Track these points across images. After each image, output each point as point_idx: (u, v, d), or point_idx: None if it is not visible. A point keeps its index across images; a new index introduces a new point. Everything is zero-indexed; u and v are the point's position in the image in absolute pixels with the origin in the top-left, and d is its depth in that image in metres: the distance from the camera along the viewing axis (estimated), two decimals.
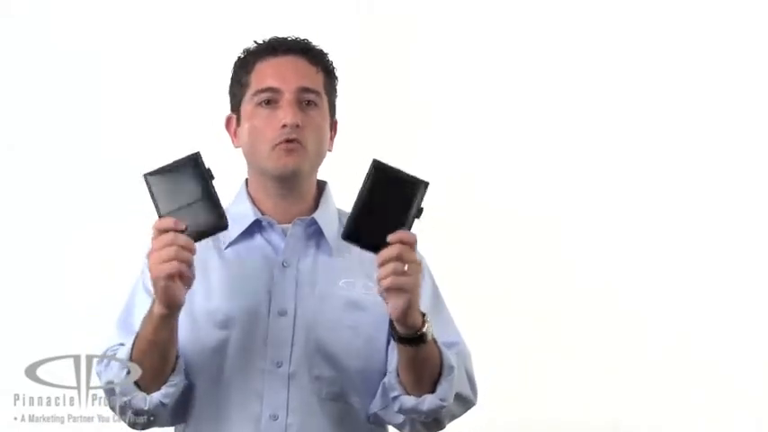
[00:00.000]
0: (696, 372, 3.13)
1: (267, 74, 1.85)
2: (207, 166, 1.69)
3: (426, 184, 1.69)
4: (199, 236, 1.68)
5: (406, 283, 1.64)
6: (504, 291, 3.15)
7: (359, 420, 1.85)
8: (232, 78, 1.91)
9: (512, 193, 3.22)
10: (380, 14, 3.27)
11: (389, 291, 1.65)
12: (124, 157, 3.16)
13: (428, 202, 3.13)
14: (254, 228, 1.87)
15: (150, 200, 1.69)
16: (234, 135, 1.91)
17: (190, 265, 1.66)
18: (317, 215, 1.87)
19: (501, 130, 3.25)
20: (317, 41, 1.92)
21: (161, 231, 1.66)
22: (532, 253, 3.19)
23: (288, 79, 1.83)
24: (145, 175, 1.69)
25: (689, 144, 3.22)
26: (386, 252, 1.64)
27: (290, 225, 1.86)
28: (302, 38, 1.90)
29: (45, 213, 3.15)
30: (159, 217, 1.67)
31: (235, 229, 1.82)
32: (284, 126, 1.80)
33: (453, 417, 1.84)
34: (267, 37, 1.91)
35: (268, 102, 1.83)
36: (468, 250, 3.15)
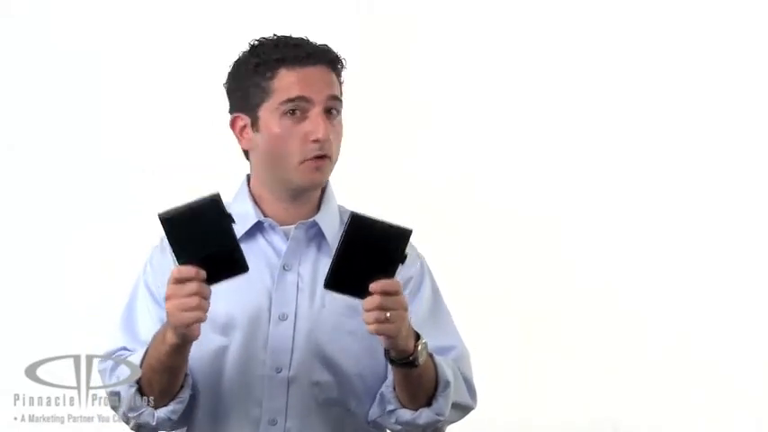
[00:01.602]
0: (696, 372, 3.13)
1: (294, 82, 1.79)
2: (227, 211, 1.64)
3: (409, 233, 1.65)
4: (217, 280, 1.67)
5: (388, 330, 1.66)
6: (505, 291, 3.15)
7: (358, 424, 1.84)
8: (242, 79, 1.84)
9: (512, 193, 3.22)
10: (380, 14, 3.27)
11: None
12: (124, 157, 3.17)
13: (428, 201, 3.14)
14: (256, 229, 1.86)
15: (166, 238, 1.65)
16: (241, 136, 1.86)
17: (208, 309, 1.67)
18: (318, 217, 1.86)
19: (501, 131, 3.25)
20: (316, 40, 1.90)
21: (182, 280, 1.64)
22: (532, 253, 3.19)
23: (318, 89, 1.79)
24: (160, 218, 1.62)
25: (688, 145, 3.22)
26: (369, 301, 1.65)
27: (291, 227, 1.85)
28: (322, 44, 1.85)
29: (45, 213, 3.15)
30: (178, 261, 1.65)
31: (236, 230, 1.80)
32: (315, 141, 1.78)
33: (453, 422, 1.85)
34: (260, 34, 1.86)
35: (293, 111, 1.80)
36: (468, 250, 3.16)
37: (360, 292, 1.66)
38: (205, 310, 1.65)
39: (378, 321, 1.65)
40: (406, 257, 1.66)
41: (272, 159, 1.82)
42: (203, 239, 1.63)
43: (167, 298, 1.65)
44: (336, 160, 1.85)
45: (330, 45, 1.86)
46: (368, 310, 1.65)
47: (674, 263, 3.19)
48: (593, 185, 3.23)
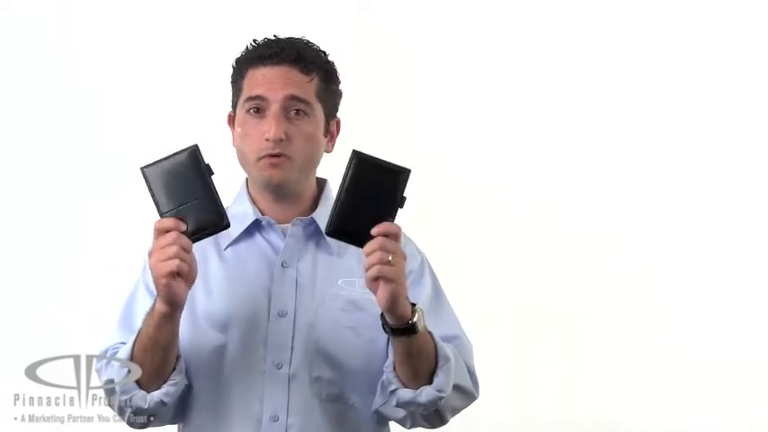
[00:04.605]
0: (696, 372, 3.13)
1: (257, 81, 1.83)
2: (206, 162, 1.68)
3: (408, 172, 1.68)
4: (199, 236, 1.68)
5: (389, 272, 1.66)
6: (504, 288, 3.15)
7: (359, 420, 1.85)
8: (231, 77, 1.90)
9: (513, 193, 3.23)
10: (378, 14, 3.27)
11: (375, 281, 1.67)
12: (123, 156, 3.16)
13: (429, 201, 3.14)
14: (254, 228, 1.87)
15: (148, 193, 1.69)
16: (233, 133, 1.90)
17: (190, 264, 1.67)
18: (315, 215, 1.87)
19: (501, 131, 3.25)
20: (315, 40, 1.89)
21: (162, 231, 1.66)
22: (533, 253, 3.19)
23: (275, 88, 1.81)
24: (142, 169, 1.68)
25: (689, 144, 3.22)
26: (370, 245, 1.66)
27: (289, 225, 1.86)
28: (298, 42, 1.86)
29: (45, 213, 3.15)
30: (159, 213, 1.67)
31: (235, 228, 1.82)
32: (267, 140, 1.80)
33: (455, 410, 1.84)
34: (265, 35, 1.88)
35: (257, 110, 1.82)
36: (468, 249, 3.16)
37: (361, 239, 1.67)
38: (186, 261, 1.66)
39: (380, 263, 1.65)
40: (405, 200, 1.68)
41: (241, 155, 1.86)
42: (182, 190, 1.66)
43: (150, 254, 1.67)
44: (305, 161, 1.84)
45: (314, 46, 1.86)
46: (369, 254, 1.66)
47: (674, 262, 3.19)
48: (596, 186, 3.23)
